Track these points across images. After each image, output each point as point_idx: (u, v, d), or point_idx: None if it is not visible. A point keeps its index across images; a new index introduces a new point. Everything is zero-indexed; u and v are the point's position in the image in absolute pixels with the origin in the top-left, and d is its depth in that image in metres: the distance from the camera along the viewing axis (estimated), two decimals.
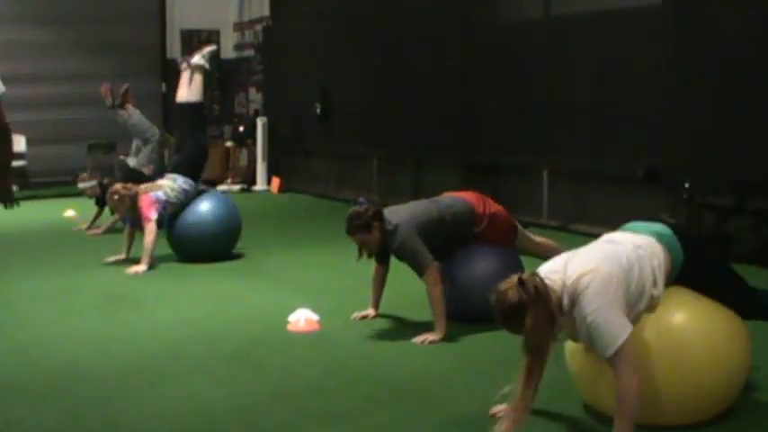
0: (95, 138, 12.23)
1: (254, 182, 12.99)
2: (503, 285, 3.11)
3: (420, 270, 4.70)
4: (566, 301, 3.13)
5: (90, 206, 8.97)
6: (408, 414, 3.64)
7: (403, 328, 4.92)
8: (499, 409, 3.48)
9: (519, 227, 5.22)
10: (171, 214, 6.98)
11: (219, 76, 13.90)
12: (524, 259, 5.06)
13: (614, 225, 3.71)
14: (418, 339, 4.63)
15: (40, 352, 4.65)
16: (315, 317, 5.04)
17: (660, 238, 3.36)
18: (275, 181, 12.72)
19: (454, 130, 9.53)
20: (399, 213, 4.84)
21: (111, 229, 8.48)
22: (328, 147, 12.04)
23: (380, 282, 5.15)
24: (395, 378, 4.11)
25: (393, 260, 4.99)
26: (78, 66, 13.00)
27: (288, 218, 10.30)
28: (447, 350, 4.51)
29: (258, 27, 13.80)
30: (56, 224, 9.49)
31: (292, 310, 5.11)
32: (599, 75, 7.87)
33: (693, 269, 3.37)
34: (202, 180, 7.83)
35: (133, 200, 6.84)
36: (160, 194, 6.88)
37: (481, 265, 4.88)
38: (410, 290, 5.25)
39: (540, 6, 8.54)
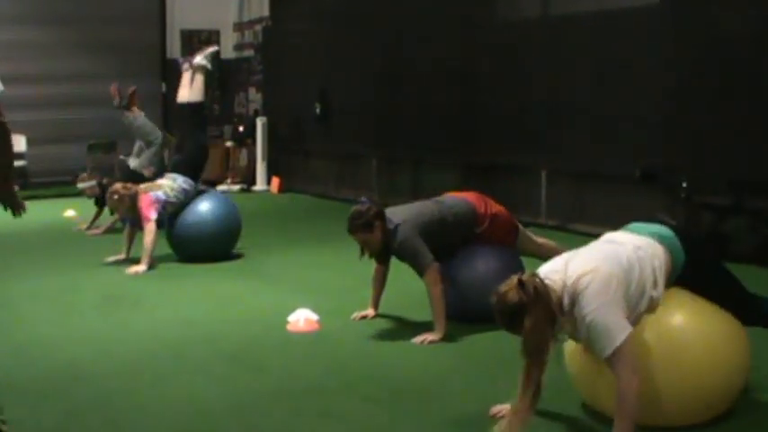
0: (95, 138, 12.22)
1: (253, 182, 12.98)
2: (503, 287, 3.12)
3: (420, 270, 4.71)
4: (566, 300, 3.13)
5: (90, 206, 8.96)
6: (408, 414, 3.64)
7: (403, 328, 4.92)
8: (499, 409, 3.49)
9: (520, 227, 5.22)
10: (171, 214, 6.98)
11: (220, 77, 13.90)
12: (525, 260, 5.06)
13: (613, 225, 3.72)
14: (418, 339, 4.63)
15: (40, 352, 4.65)
16: (314, 317, 5.04)
17: (661, 239, 3.36)
18: (275, 181, 12.72)
19: (454, 130, 9.53)
20: (401, 213, 4.84)
21: (111, 229, 8.48)
22: (328, 147, 12.03)
23: (380, 281, 5.15)
24: (395, 378, 4.11)
25: (393, 260, 5.00)
26: (78, 66, 13.01)
27: (287, 218, 10.29)
28: (447, 350, 4.51)
29: (258, 27, 13.80)
30: (56, 224, 9.48)
31: (292, 310, 5.11)
32: (598, 75, 7.87)
33: (694, 270, 3.38)
34: (202, 180, 7.84)
35: (133, 200, 6.84)
36: (160, 194, 6.88)
37: (481, 265, 4.88)
38: (410, 290, 5.25)
39: (539, 6, 8.55)
